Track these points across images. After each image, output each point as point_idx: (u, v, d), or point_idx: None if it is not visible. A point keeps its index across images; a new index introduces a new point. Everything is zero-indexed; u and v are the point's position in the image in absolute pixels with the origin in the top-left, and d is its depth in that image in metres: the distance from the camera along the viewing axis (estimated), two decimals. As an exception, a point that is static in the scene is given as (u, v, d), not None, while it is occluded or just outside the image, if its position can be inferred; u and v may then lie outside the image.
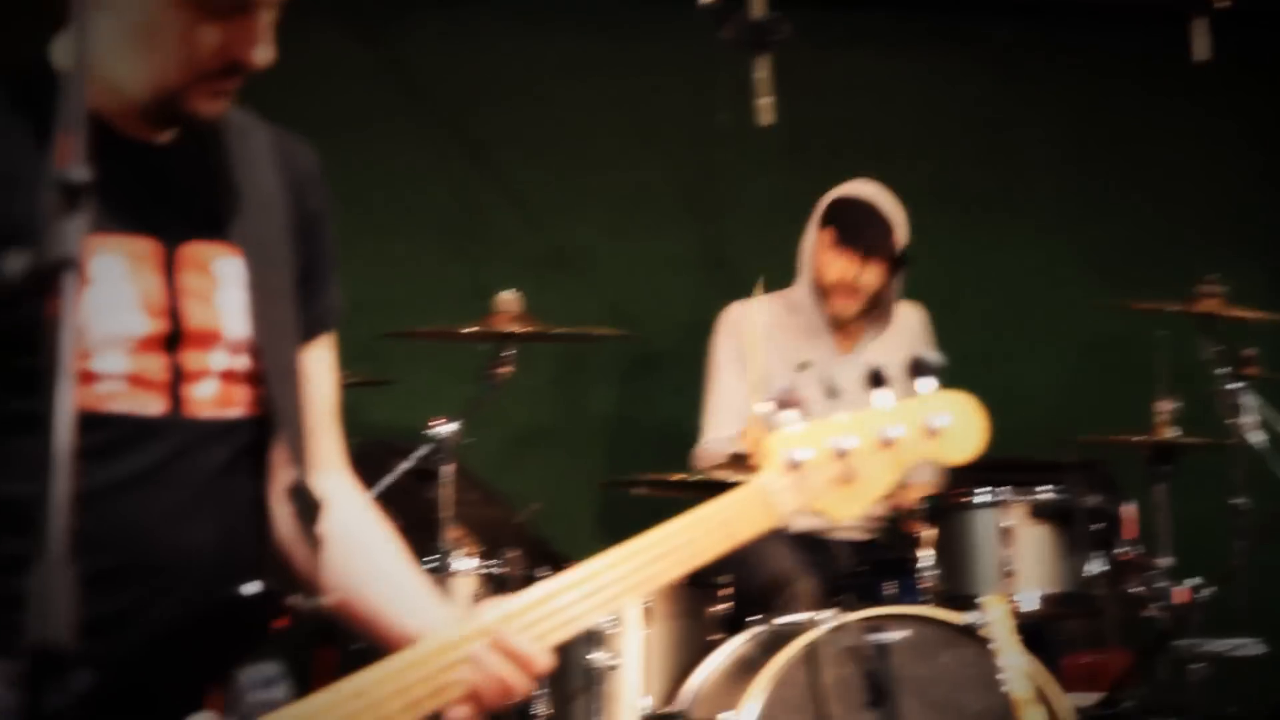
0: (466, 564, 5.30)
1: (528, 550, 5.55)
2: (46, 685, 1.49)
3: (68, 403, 1.56)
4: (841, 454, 2.29)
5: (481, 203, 6.68)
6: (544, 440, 6.80)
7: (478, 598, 5.28)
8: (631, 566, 2.23)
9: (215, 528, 2.20)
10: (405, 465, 5.18)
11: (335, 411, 2.46)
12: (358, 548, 2.38)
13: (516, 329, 5.12)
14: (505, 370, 5.13)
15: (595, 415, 6.92)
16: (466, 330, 5.19)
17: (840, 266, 5.69)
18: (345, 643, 5.31)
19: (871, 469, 2.31)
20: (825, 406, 2.31)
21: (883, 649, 4.42)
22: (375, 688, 2.14)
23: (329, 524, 2.31)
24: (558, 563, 5.41)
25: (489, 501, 6.19)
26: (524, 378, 5.29)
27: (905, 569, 5.18)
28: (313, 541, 2.26)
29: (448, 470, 5.18)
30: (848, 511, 2.32)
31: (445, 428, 5.12)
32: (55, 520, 1.54)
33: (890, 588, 5.31)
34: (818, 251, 5.74)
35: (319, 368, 2.42)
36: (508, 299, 5.15)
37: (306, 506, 2.25)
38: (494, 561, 5.37)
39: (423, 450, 5.17)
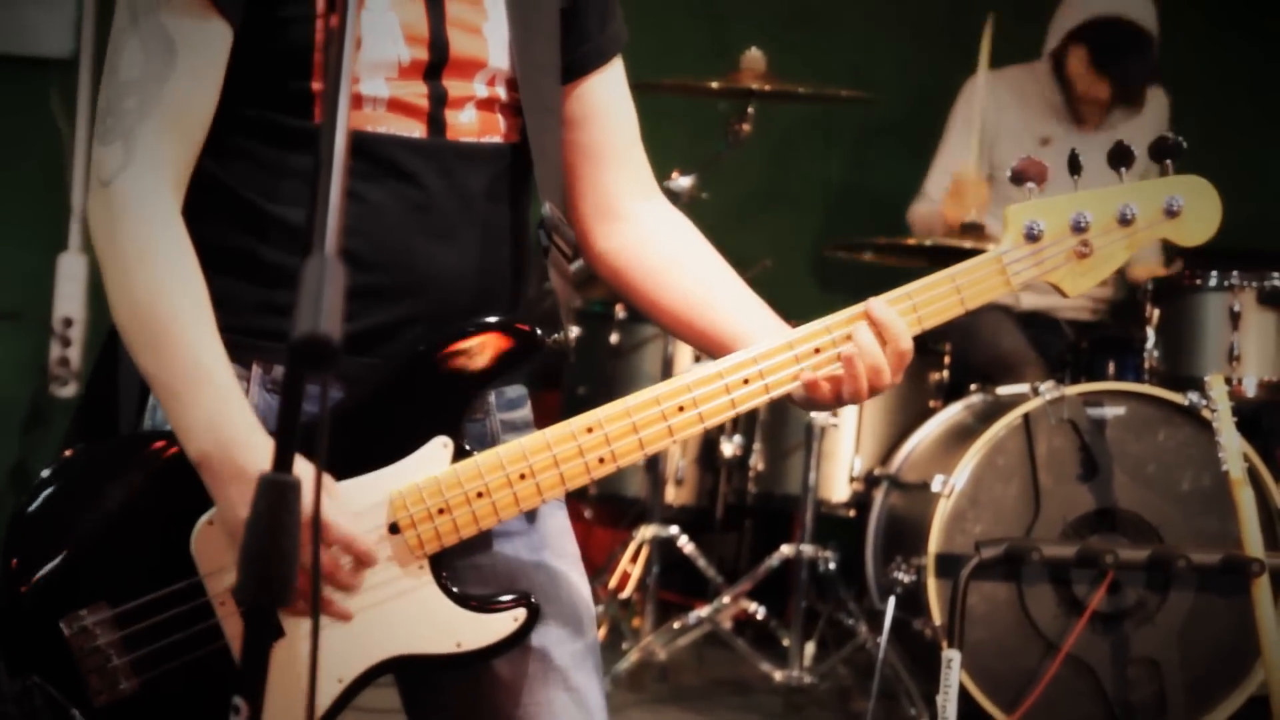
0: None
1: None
2: (311, 374, 1.50)
3: (344, 108, 1.61)
4: (1079, 228, 2.34)
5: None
6: (776, 200, 6.86)
7: (701, 354, 5.42)
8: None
9: (475, 251, 2.28)
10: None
11: (637, 133, 2.46)
12: (691, 269, 2.39)
13: (760, 86, 5.16)
14: (745, 127, 5.18)
15: (828, 178, 6.96)
16: (713, 85, 5.24)
17: (1093, 86, 5.64)
18: (571, 387, 5.50)
19: (1106, 245, 2.35)
20: (1066, 181, 2.35)
21: (1099, 423, 4.47)
22: (609, 422, 2.21)
23: (654, 250, 2.38)
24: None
25: (718, 258, 6.31)
26: (761, 137, 5.35)
27: (1128, 348, 5.21)
28: (562, 274, 2.33)
29: (681, 224, 5.27)
30: (1080, 286, 2.35)
31: (681, 181, 5.20)
32: (329, 215, 1.54)
33: (1111, 366, 5.35)
34: (1068, 61, 5.67)
35: (614, 93, 2.44)
36: (753, 56, 5.18)
37: (555, 239, 2.31)
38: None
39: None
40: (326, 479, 2.08)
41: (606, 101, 2.43)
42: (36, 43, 5.80)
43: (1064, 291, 2.36)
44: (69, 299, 5.76)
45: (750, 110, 5.18)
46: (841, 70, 6.43)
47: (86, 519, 2.17)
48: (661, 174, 5.13)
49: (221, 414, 2.08)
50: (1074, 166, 2.34)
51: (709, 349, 2.38)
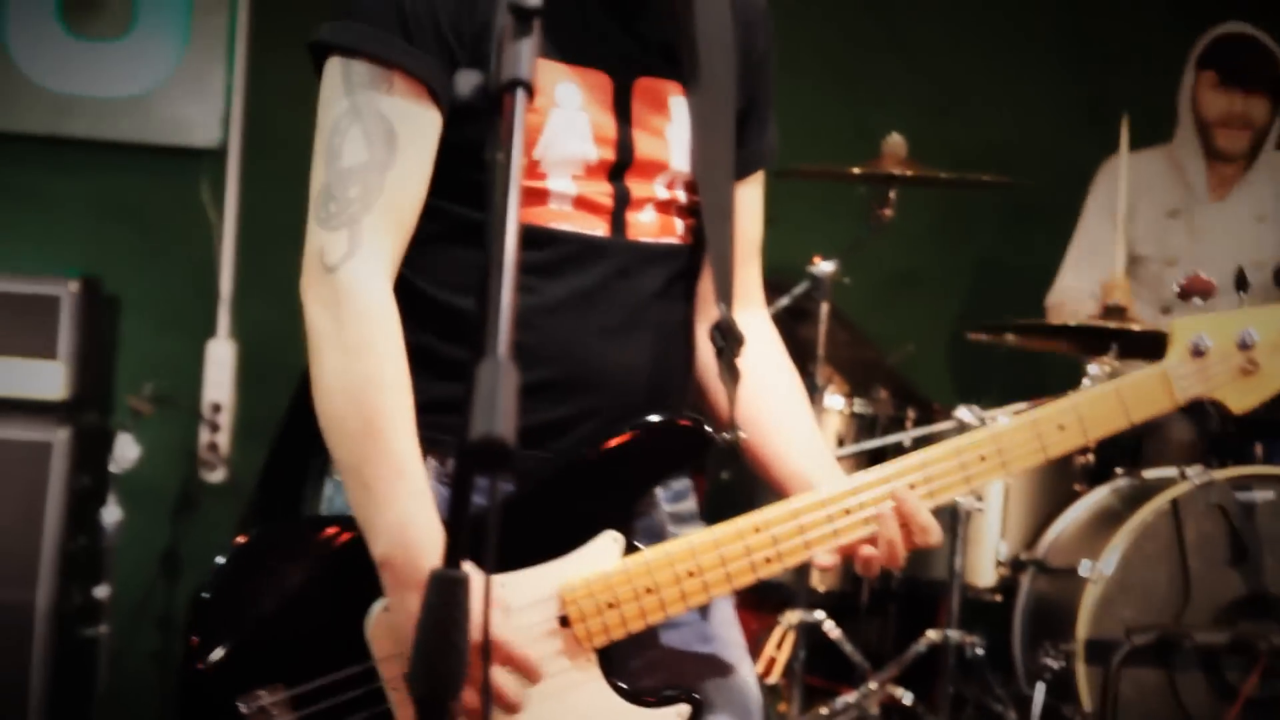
0: (836, 402, 5.44)
1: (896, 392, 5.66)
2: (484, 478, 1.54)
3: (514, 211, 1.63)
4: (1245, 346, 2.33)
5: (868, 44, 6.70)
6: (917, 284, 6.84)
7: (845, 437, 5.42)
8: (1030, 434, 2.29)
9: (648, 349, 2.32)
10: (782, 302, 5.31)
11: (759, 248, 2.52)
12: (769, 387, 2.45)
13: (902, 171, 5.17)
14: (886, 212, 5.19)
15: (969, 261, 6.94)
16: (854, 170, 5.26)
17: (1223, 103, 5.63)
18: (714, 473, 5.51)
19: (1272, 363, 2.34)
20: (1233, 299, 2.35)
21: (1248, 508, 4.42)
22: (776, 523, 2.26)
23: (744, 359, 2.40)
24: (924, 406, 5.51)
25: (859, 342, 6.30)
26: (901, 221, 5.35)
27: (1277, 431, 5.14)
28: (732, 376, 2.36)
29: (823, 309, 5.29)
30: (1245, 403, 2.35)
31: (824, 266, 5.21)
32: (501, 318, 1.57)
33: (1259, 448, 5.27)
34: (1199, 93, 5.68)
35: (749, 203, 2.49)
36: (895, 141, 5.19)
37: (729, 341, 2.35)
38: (863, 401, 5.50)
39: (800, 288, 5.29)
40: (495, 591, 2.09)
41: (740, 211, 2.45)
42: (187, 133, 5.94)
43: (1229, 409, 2.35)
44: (217, 385, 5.87)
45: (892, 195, 5.19)
46: (982, 153, 6.42)
47: (264, 601, 2.22)
48: (803, 259, 5.21)
49: (413, 520, 2.11)
50: (1240, 283, 2.34)
51: (761, 470, 2.43)
